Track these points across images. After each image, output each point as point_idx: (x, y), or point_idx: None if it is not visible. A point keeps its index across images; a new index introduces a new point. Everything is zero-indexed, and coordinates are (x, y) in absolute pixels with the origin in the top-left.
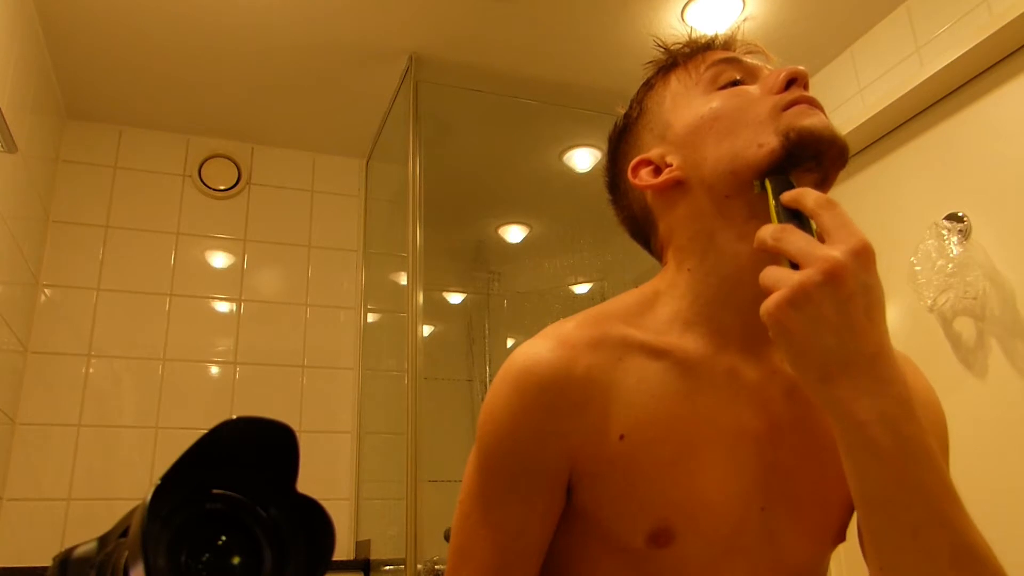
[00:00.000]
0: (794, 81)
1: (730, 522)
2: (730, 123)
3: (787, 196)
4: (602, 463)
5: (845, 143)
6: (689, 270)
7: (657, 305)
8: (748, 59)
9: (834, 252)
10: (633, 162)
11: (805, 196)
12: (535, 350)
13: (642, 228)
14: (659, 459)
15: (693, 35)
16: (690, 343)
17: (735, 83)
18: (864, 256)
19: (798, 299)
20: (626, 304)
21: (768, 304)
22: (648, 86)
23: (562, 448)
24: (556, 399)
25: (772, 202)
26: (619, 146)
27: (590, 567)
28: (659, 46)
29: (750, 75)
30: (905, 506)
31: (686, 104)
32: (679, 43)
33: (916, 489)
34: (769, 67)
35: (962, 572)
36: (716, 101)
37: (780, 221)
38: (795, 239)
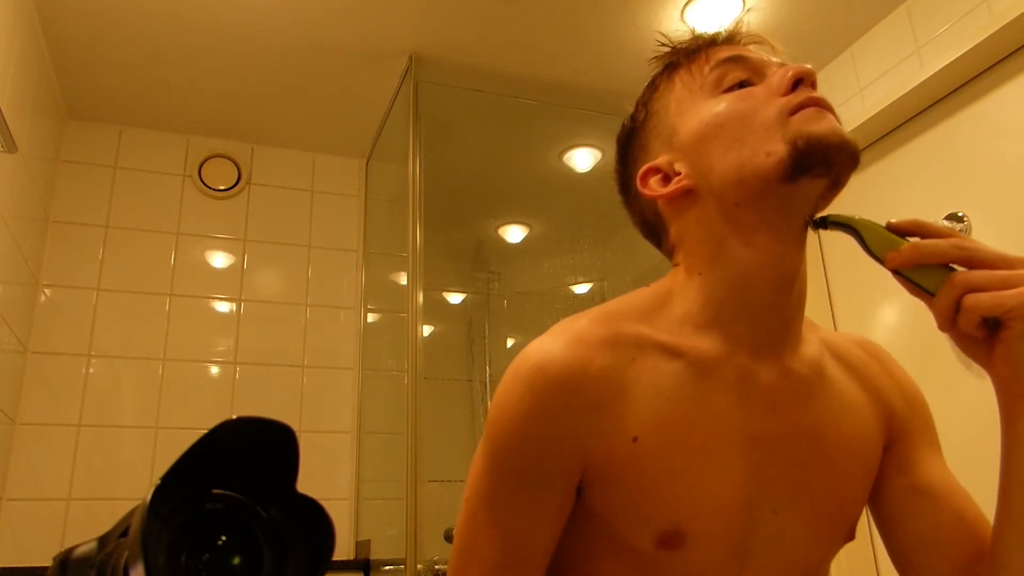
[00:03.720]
0: (801, 81)
1: (742, 525)
2: (736, 130)
3: (904, 225)
4: (614, 465)
5: (855, 146)
6: (700, 275)
7: (670, 304)
8: (753, 53)
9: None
10: (641, 171)
11: (927, 226)
12: (548, 348)
13: (654, 231)
14: (672, 463)
15: (696, 32)
16: (705, 344)
17: (741, 84)
18: None
19: None
20: (639, 301)
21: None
22: (653, 87)
23: (575, 449)
24: (570, 399)
25: (867, 242)
26: (628, 150)
27: (596, 568)
28: (662, 44)
29: (756, 73)
30: None
31: (691, 109)
32: (683, 41)
33: None
34: (776, 60)
35: None
36: (721, 106)
37: (880, 251)
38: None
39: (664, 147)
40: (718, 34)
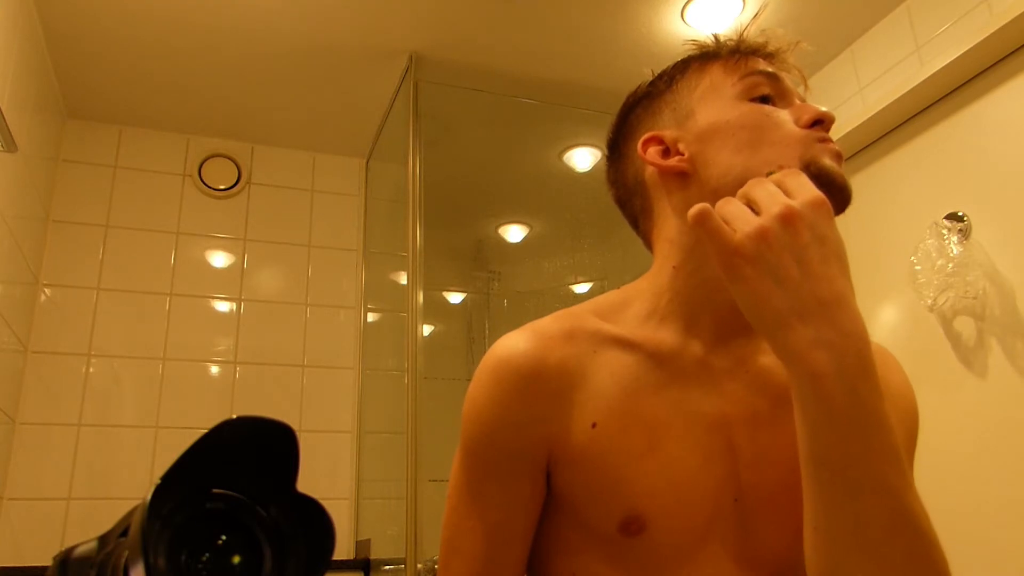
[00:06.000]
0: (820, 123)
1: (702, 512)
2: (752, 137)
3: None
4: (575, 450)
5: (850, 196)
6: (674, 267)
7: (634, 303)
8: (787, 78)
9: (792, 201)
10: (647, 135)
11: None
12: (512, 342)
13: (629, 197)
14: (629, 448)
15: (745, 34)
16: (663, 336)
17: (765, 98)
18: (820, 208)
19: (757, 244)
20: (607, 301)
21: (725, 246)
22: (684, 66)
23: (539, 434)
24: (532, 386)
25: None
26: (635, 110)
27: (571, 557)
28: (712, 37)
29: (781, 97)
30: (848, 466)
31: (716, 101)
32: (729, 38)
33: (861, 450)
34: (800, 91)
35: (897, 540)
36: (746, 111)
37: None
38: (762, 188)
39: (674, 123)
40: (766, 44)
